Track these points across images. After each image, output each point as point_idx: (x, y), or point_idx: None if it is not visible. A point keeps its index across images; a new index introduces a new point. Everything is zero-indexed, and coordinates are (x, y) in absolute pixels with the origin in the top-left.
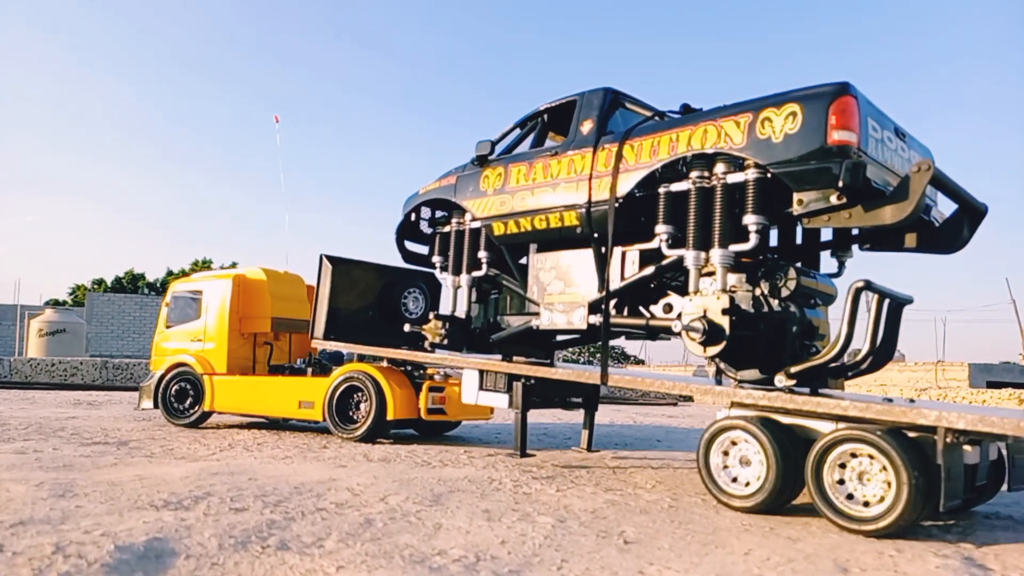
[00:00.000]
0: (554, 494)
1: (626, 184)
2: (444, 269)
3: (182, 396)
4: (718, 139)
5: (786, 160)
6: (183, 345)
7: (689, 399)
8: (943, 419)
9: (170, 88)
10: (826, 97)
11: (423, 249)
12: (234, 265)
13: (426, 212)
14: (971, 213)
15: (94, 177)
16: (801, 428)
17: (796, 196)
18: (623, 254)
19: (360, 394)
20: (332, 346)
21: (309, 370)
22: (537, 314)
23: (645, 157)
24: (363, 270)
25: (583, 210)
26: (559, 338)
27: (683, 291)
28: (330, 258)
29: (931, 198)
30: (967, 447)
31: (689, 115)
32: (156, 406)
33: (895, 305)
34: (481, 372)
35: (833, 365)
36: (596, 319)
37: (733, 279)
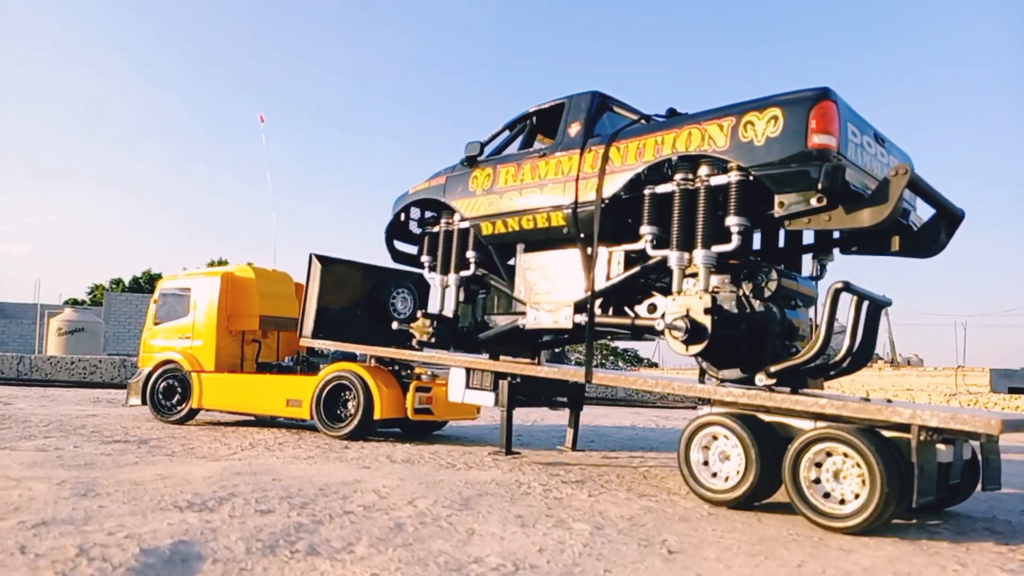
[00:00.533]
0: (586, 499)
1: (612, 186)
2: (432, 268)
3: (170, 393)
4: (702, 142)
5: (767, 163)
6: (171, 343)
7: (707, 401)
8: (917, 417)
9: (190, 86)
10: (807, 102)
11: (412, 249)
12: (250, 264)
13: (415, 212)
14: (948, 218)
15: (115, 176)
16: (782, 426)
17: (777, 198)
18: (609, 254)
19: (347, 393)
20: (320, 344)
21: (297, 368)
22: (524, 313)
23: (631, 159)
24: (352, 269)
25: (570, 211)
26: (545, 338)
27: (666, 292)
28: (319, 257)
29: (909, 203)
30: (940, 445)
31: (674, 118)
32: (144, 403)
33: (874, 307)
34: (468, 370)
35: (813, 365)
36: (581, 318)
37: (716, 280)
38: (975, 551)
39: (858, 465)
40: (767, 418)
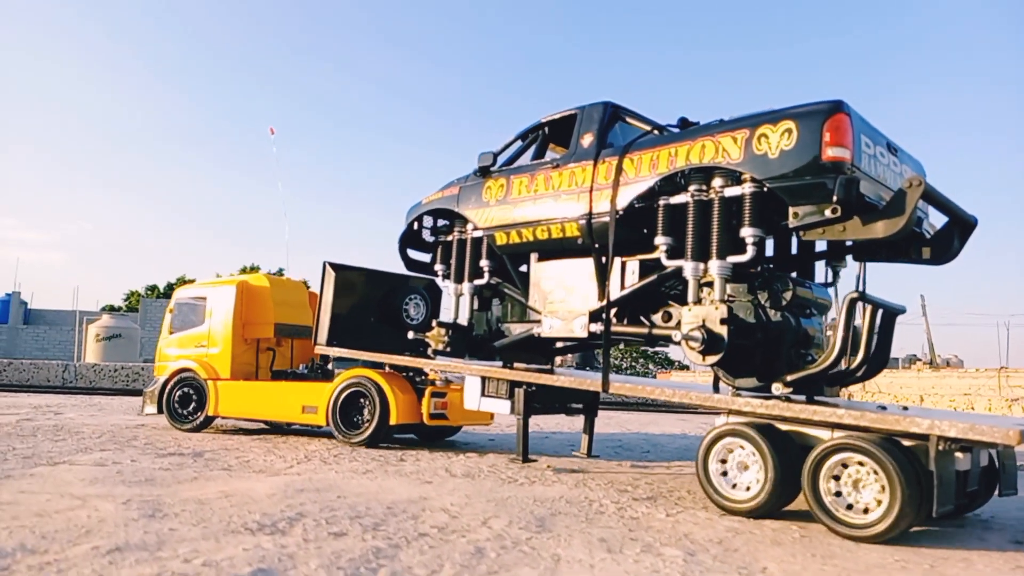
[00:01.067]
0: (665, 519)
1: (626, 197)
2: (446, 277)
3: (185, 401)
4: (716, 154)
5: (782, 175)
6: (187, 351)
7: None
8: (935, 427)
9: (221, 93)
10: (820, 115)
11: (425, 257)
12: (280, 271)
13: (428, 221)
14: (962, 225)
15: (150, 183)
16: (799, 435)
17: (792, 209)
18: (623, 264)
19: (363, 399)
20: (335, 352)
21: (314, 375)
22: (538, 322)
23: (645, 171)
24: (365, 276)
25: (584, 221)
26: (558, 345)
27: (681, 300)
28: (333, 265)
29: (922, 211)
30: (959, 454)
31: (687, 130)
32: (160, 411)
33: (888, 315)
34: (483, 379)
35: (829, 373)
36: (596, 327)
37: (731, 289)
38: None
39: (876, 473)
40: (784, 427)
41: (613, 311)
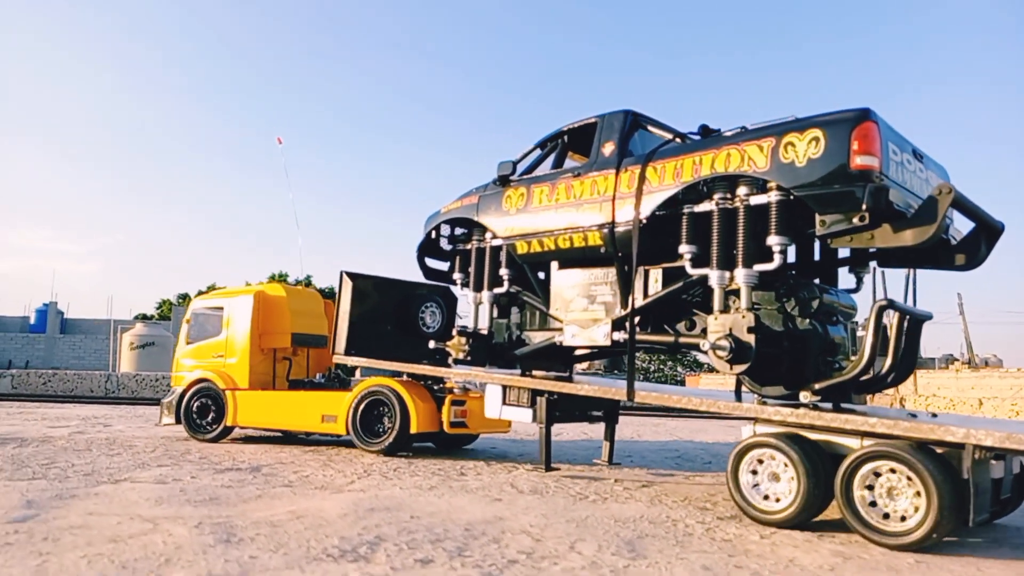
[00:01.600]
0: (760, 541)
1: (649, 205)
2: (465, 285)
3: (204, 411)
4: (741, 163)
5: (810, 183)
6: (204, 361)
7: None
8: (971, 437)
9: (253, 103)
10: (848, 123)
11: (443, 266)
12: (309, 280)
13: (446, 229)
14: (988, 231)
15: (179, 193)
16: (828, 443)
17: (819, 218)
18: (646, 272)
19: (383, 408)
20: (353, 362)
21: (333, 384)
22: (559, 330)
23: (668, 179)
24: (381, 285)
25: (607, 230)
26: (578, 352)
27: (703, 307)
28: (350, 274)
29: (948, 216)
30: (993, 462)
31: (711, 138)
32: (178, 421)
33: (914, 322)
34: (504, 387)
35: (858, 381)
36: (619, 335)
37: (756, 297)
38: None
39: (909, 479)
40: (813, 436)
41: (636, 319)
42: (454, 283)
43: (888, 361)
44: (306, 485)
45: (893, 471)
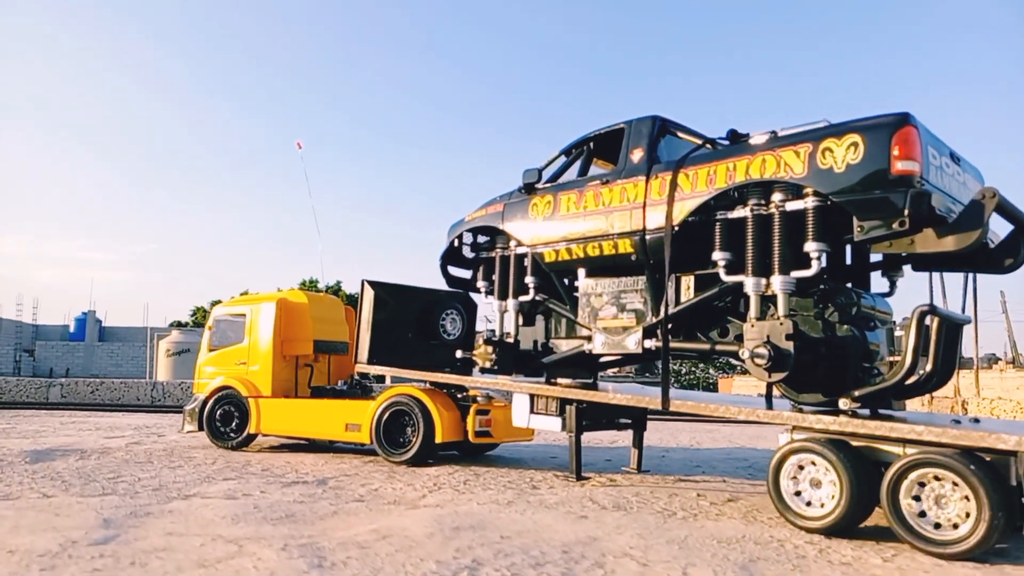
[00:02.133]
0: (884, 564)
1: (682, 212)
2: (489, 293)
3: (227, 419)
4: (777, 168)
5: (849, 189)
6: (227, 368)
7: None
8: (1023, 444)
9: (283, 110)
10: (888, 128)
11: (466, 274)
12: (338, 287)
13: (468, 237)
14: None
15: (212, 202)
16: (870, 449)
17: (857, 223)
18: (677, 279)
19: (406, 418)
20: (376, 370)
21: (354, 392)
22: (588, 338)
23: (701, 186)
24: (401, 293)
25: (637, 237)
26: (603, 360)
27: (733, 314)
28: (371, 283)
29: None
30: None
31: (744, 144)
32: (200, 428)
33: (953, 326)
34: (532, 396)
35: (899, 387)
36: (651, 343)
37: (793, 303)
38: None
39: (956, 486)
40: (856, 443)
41: (668, 327)
42: (478, 291)
43: (929, 366)
44: (378, 500)
45: (936, 478)
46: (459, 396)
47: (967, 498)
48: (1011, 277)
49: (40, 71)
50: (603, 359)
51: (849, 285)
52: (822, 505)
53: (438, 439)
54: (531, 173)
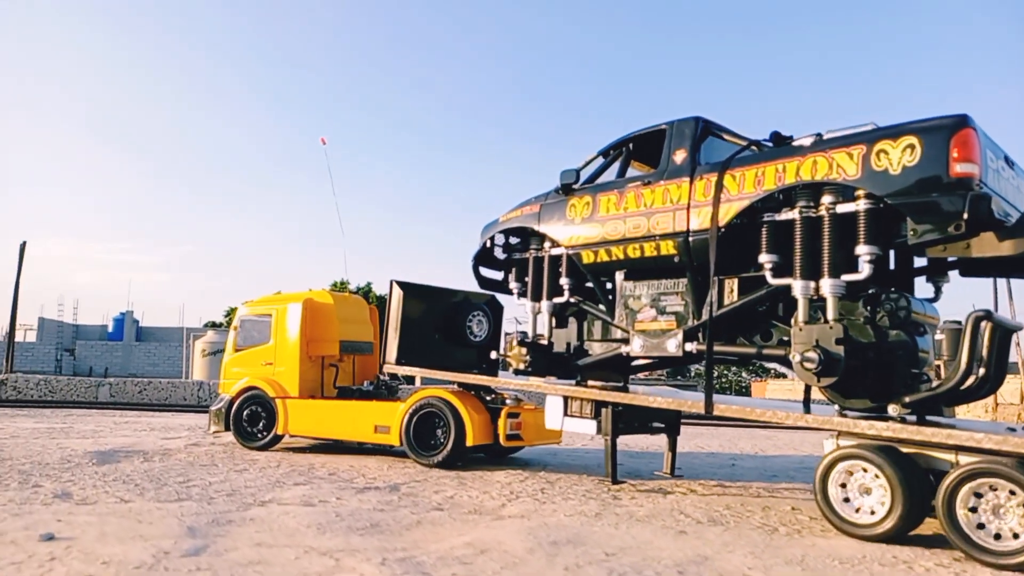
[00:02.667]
0: None
1: (728, 213)
2: (522, 295)
3: (254, 419)
4: (830, 170)
5: (905, 191)
6: (253, 368)
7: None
8: None
9: (316, 112)
10: (947, 130)
11: (497, 275)
12: (369, 287)
13: (500, 239)
14: None
15: (246, 203)
16: (921, 456)
17: (912, 226)
18: (720, 282)
19: (436, 420)
20: (405, 371)
21: (381, 392)
22: (625, 341)
23: (749, 187)
24: (429, 293)
25: (681, 239)
26: (636, 363)
27: (773, 317)
28: (400, 283)
29: None
30: None
31: (792, 146)
32: (227, 429)
33: (1005, 332)
34: (566, 398)
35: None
36: (692, 346)
37: (842, 307)
38: None
39: (1012, 495)
40: (906, 450)
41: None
42: (509, 293)
43: (982, 372)
44: (457, 508)
45: (997, 488)
46: (488, 398)
47: None
48: None
49: (83, 76)
50: (636, 362)
51: (893, 290)
52: (872, 512)
53: (469, 442)
54: (569, 174)
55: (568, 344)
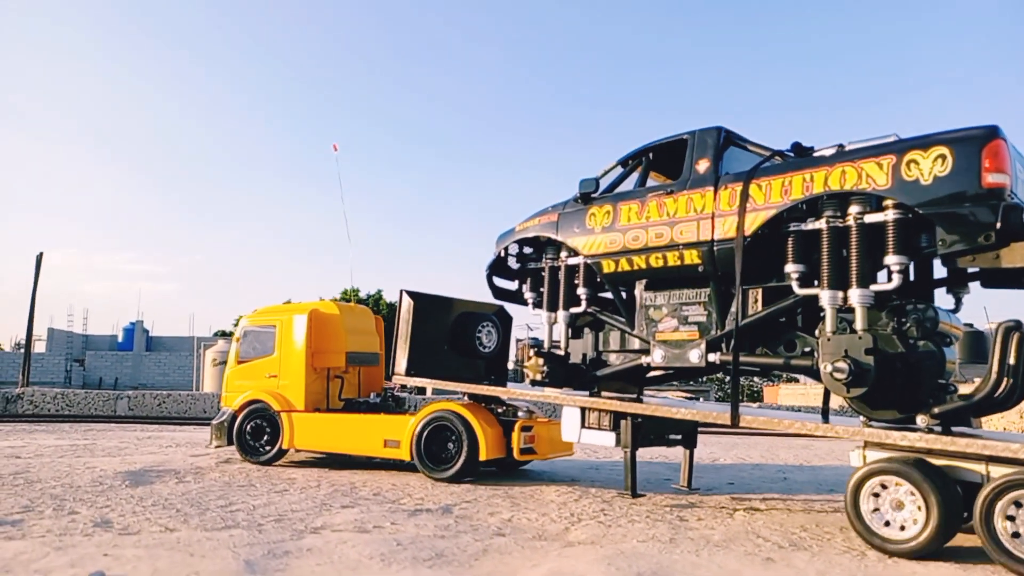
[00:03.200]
0: None
1: (754, 223)
2: (537, 305)
3: (258, 433)
4: (859, 180)
5: (936, 201)
6: (256, 381)
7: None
8: None
9: (323, 124)
10: (978, 140)
11: (511, 285)
12: (379, 295)
13: (514, 249)
14: None
15: (255, 214)
16: (952, 468)
17: (941, 236)
18: (744, 292)
19: (448, 433)
20: (415, 382)
21: (388, 405)
22: (644, 351)
23: (775, 197)
24: (438, 304)
25: (705, 248)
26: (651, 374)
27: (795, 327)
28: (410, 293)
29: None
30: None
31: (818, 156)
32: (229, 443)
33: None
34: (583, 410)
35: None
36: (715, 357)
37: (870, 317)
38: None
39: None
40: (937, 462)
41: (737, 340)
42: (524, 303)
43: (1010, 383)
44: (520, 534)
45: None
46: (499, 411)
47: None
48: None
49: (90, 90)
50: (651, 373)
51: (915, 301)
52: (902, 528)
53: (482, 456)
54: (588, 183)
55: (584, 355)
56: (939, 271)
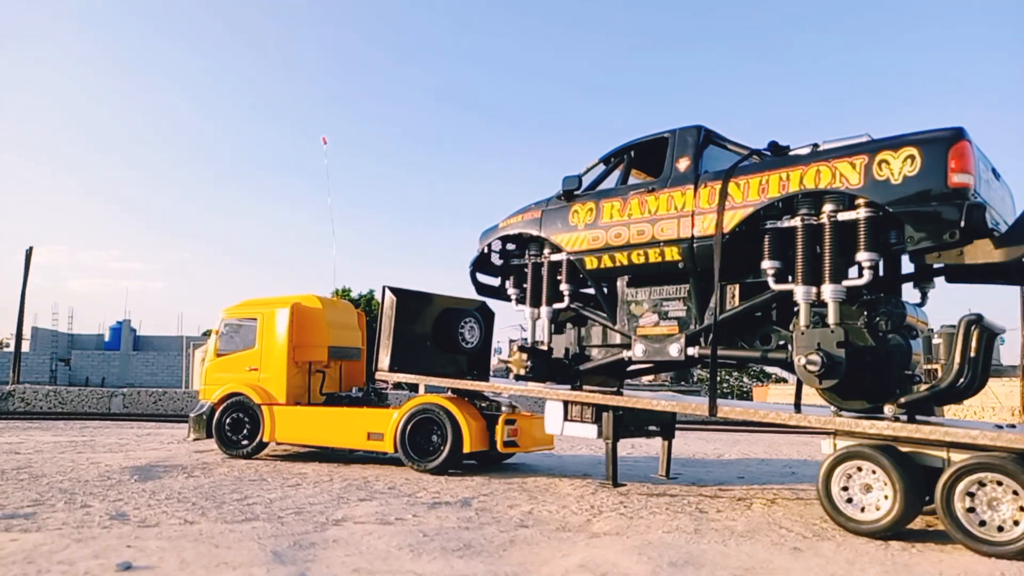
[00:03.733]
0: None
1: (732, 220)
2: (520, 301)
3: (237, 427)
4: (833, 179)
5: (906, 200)
6: (236, 374)
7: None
8: None
9: (313, 118)
10: (945, 142)
11: (494, 281)
12: (371, 295)
13: (497, 245)
14: None
15: (243, 212)
16: (917, 454)
17: (909, 234)
18: (723, 287)
19: (432, 427)
20: (398, 378)
21: (370, 399)
22: (625, 346)
23: (753, 195)
24: (421, 300)
25: (685, 245)
26: (632, 368)
27: (770, 322)
28: (393, 289)
29: None
30: None
31: (795, 156)
32: (208, 436)
33: (990, 335)
34: (566, 403)
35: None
36: (694, 351)
37: (842, 312)
38: None
39: (1016, 494)
40: (905, 448)
41: (715, 334)
42: (507, 299)
43: (970, 373)
44: (543, 525)
45: (993, 482)
46: (482, 405)
47: (1018, 502)
48: None
49: (74, 86)
50: (636, 366)
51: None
52: (877, 508)
53: (466, 449)
54: (571, 180)
55: (566, 350)
56: (907, 267)
